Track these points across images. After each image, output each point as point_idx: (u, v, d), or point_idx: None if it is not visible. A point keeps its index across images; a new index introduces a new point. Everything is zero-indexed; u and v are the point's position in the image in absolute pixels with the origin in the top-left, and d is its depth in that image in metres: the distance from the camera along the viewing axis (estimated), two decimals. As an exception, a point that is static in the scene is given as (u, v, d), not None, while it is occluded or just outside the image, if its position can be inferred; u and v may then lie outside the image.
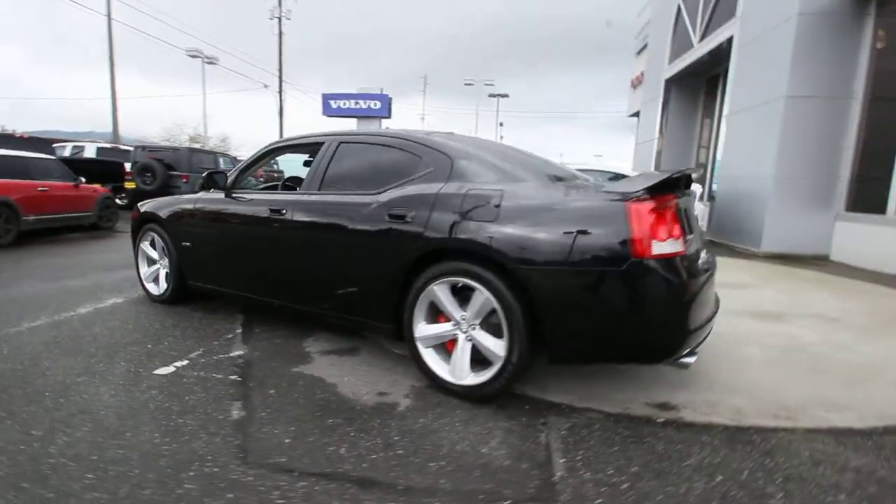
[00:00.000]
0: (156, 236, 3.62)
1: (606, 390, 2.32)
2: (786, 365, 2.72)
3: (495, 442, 1.85)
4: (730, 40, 8.28)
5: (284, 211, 2.76)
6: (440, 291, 2.21)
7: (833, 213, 6.47)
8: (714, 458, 1.79)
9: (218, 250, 3.20)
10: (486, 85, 29.88)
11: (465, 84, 29.91)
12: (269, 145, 3.24)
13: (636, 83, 15.66)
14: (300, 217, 2.69)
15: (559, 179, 2.31)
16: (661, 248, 1.82)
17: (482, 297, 2.08)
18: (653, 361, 1.97)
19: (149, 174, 10.07)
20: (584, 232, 1.88)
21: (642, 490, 1.58)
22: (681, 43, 10.60)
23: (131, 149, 13.45)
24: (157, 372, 2.39)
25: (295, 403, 2.12)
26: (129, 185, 10.27)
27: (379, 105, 36.32)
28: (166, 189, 10.08)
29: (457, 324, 2.22)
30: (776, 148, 6.46)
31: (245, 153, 18.31)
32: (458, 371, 2.19)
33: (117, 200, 9.19)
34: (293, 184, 3.91)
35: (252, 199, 3.07)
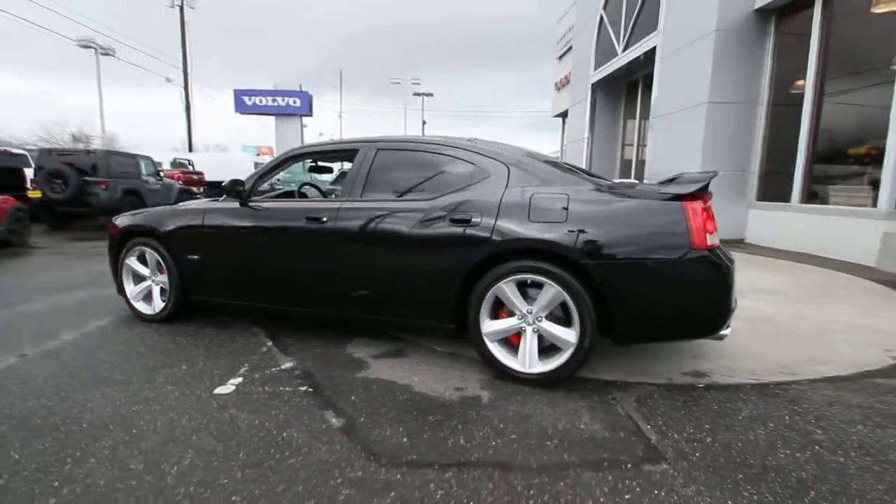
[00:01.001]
0: (148, 250, 3.34)
1: (644, 366, 2.65)
2: (764, 332, 3.26)
3: (587, 418, 2.08)
4: (652, 50, 9.27)
5: (325, 218, 2.74)
6: (508, 289, 2.38)
7: (747, 202, 7.60)
8: (758, 409, 2.17)
9: (237, 262, 3.06)
10: (413, 84, 30.02)
11: (392, 83, 29.81)
12: (290, 152, 3.15)
13: (560, 85, 16.76)
14: (346, 224, 2.69)
15: (601, 182, 2.58)
16: (710, 239, 2.16)
17: (552, 290, 2.28)
18: (702, 336, 2.31)
19: (59, 181, 8.87)
20: (648, 228, 2.17)
21: (723, 441, 1.90)
22: (605, 50, 11.60)
23: (24, 152, 11.71)
24: (218, 392, 2.28)
25: (384, 406, 2.17)
26: (34, 195, 8.97)
27: (299, 103, 35.04)
28: (81, 198, 8.99)
29: (522, 317, 2.40)
30: (701, 148, 7.42)
31: (160, 155, 16.68)
32: (528, 361, 2.38)
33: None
34: (304, 191, 3.80)
35: (276, 208, 2.99)
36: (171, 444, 1.82)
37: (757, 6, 7.02)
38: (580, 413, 2.13)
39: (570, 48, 15.43)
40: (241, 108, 35.18)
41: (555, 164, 2.64)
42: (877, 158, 5.85)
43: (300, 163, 3.89)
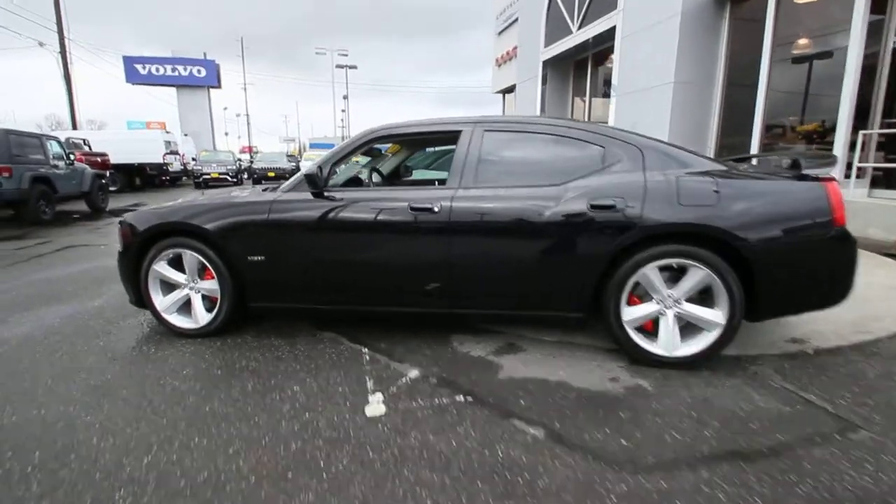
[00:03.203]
0: (189, 253, 2.79)
1: (746, 339, 2.78)
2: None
3: (756, 396, 2.14)
4: (607, 30, 9.59)
5: (437, 208, 2.47)
6: (652, 274, 2.35)
7: (704, 175, 8.29)
8: (876, 369, 2.39)
9: (321, 261, 2.66)
10: (341, 55, 28.17)
11: (317, 53, 27.69)
12: (371, 133, 2.76)
13: (501, 62, 16.81)
14: (464, 214, 2.45)
15: (727, 163, 2.58)
16: (844, 216, 2.29)
17: (700, 273, 2.29)
18: (832, 305, 2.46)
19: (-59, 168, 7.13)
20: (795, 208, 2.24)
21: (883, 401, 2.07)
22: (556, 27, 11.78)
23: None
24: (372, 414, 2.00)
25: (563, 408, 2.05)
26: None
27: (204, 72, 31.60)
28: (-25, 187, 7.31)
29: (661, 301, 2.40)
30: (668, 125, 7.91)
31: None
32: (670, 345, 2.39)
33: None
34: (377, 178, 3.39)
35: (368, 198, 2.63)
36: (387, 483, 1.56)
37: (715, -9, 7.51)
38: (746, 392, 2.19)
39: (511, 24, 15.47)
40: (132, 77, 30.83)
41: (676, 146, 2.62)
42: (823, 135, 6.66)
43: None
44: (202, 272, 2.85)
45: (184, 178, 20.17)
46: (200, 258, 2.79)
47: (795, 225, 2.24)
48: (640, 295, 2.46)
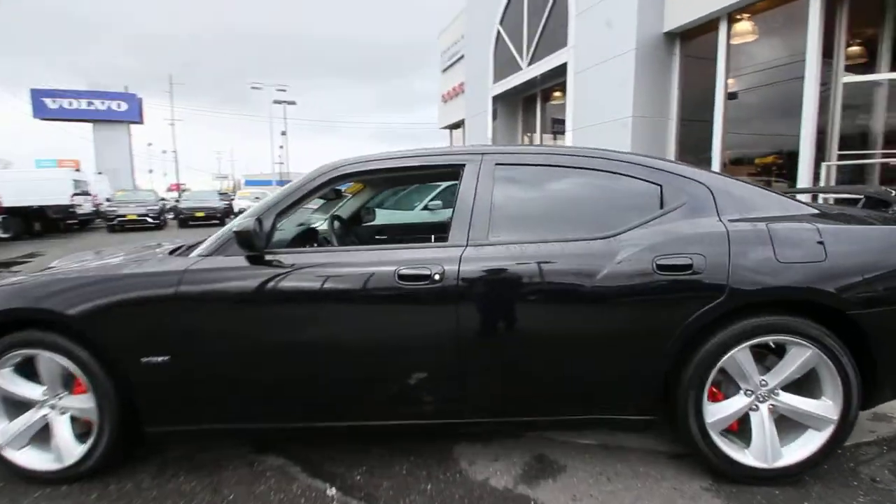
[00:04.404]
0: (44, 354, 1.79)
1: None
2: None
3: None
4: (561, 66, 9.54)
5: (437, 275, 1.69)
6: (743, 357, 1.70)
7: (666, 209, 8.18)
8: None
9: (260, 361, 1.76)
10: (279, 90, 27.04)
11: (253, 87, 26.37)
12: (333, 168, 1.92)
13: (448, 98, 16.68)
14: (480, 283, 1.69)
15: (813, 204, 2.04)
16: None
17: (805, 353, 1.67)
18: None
19: None
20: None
21: None
22: (505, 63, 11.72)
23: None
24: None
25: None
26: None
27: (125, 106, 29.32)
28: None
29: (752, 392, 1.75)
30: (628, 158, 7.75)
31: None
32: (769, 452, 1.72)
33: None
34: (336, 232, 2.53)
35: (332, 263, 1.80)
36: None
37: (665, 29, 7.60)
38: (894, 524, 1.54)
39: (457, 60, 15.44)
40: (40, 112, 27.83)
41: (744, 180, 2.04)
42: (781, 167, 6.71)
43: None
44: (69, 382, 1.84)
45: (96, 220, 17.90)
46: (64, 362, 1.79)
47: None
48: (718, 383, 1.80)
